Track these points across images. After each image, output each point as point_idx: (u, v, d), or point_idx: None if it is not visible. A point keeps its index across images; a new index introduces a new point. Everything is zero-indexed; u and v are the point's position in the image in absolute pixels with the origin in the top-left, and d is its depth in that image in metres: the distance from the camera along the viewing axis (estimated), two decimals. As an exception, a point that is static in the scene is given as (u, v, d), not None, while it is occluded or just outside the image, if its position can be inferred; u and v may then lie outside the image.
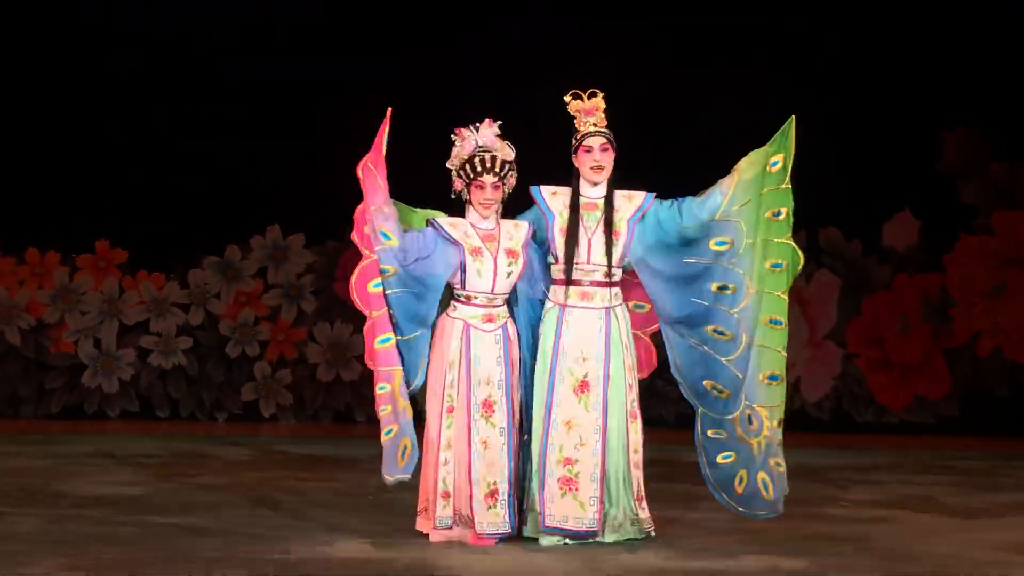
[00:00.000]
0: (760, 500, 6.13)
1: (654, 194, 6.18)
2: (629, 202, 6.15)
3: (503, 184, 6.12)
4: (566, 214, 6.11)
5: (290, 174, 11.98)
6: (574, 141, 6.17)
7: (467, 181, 6.10)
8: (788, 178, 6.10)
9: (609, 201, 6.12)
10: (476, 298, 6.12)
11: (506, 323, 6.16)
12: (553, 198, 6.18)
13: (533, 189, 6.24)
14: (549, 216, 6.16)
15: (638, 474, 6.14)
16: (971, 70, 11.72)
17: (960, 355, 12.02)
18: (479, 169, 6.07)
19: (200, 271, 12.23)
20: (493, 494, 6.04)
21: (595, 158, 6.10)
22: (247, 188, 12.00)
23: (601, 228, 6.09)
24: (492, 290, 6.10)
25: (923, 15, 11.69)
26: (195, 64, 11.99)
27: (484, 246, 6.08)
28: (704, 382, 6.14)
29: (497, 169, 6.07)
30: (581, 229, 6.09)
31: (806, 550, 5.99)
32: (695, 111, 11.14)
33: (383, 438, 5.94)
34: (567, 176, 6.23)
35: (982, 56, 11.72)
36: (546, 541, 6.03)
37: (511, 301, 6.25)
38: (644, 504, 6.16)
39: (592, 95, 6.16)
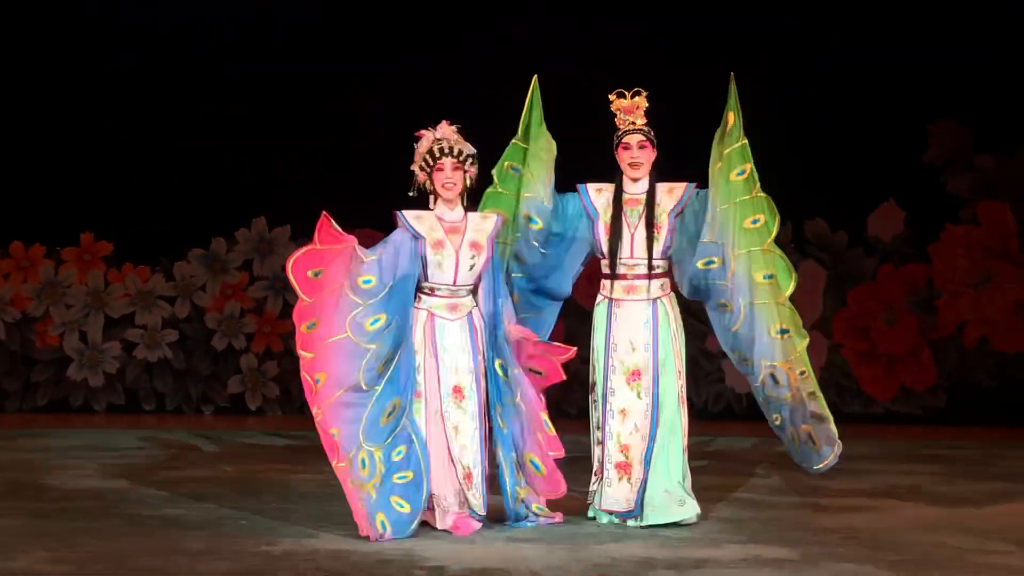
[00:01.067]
0: (812, 453, 6.23)
1: (694, 184, 6.35)
2: (670, 195, 6.35)
3: (463, 167, 6.22)
4: (610, 211, 6.34)
5: (275, 167, 11.98)
6: (614, 138, 6.38)
7: (429, 171, 6.22)
8: (741, 134, 6.18)
9: (651, 196, 6.33)
10: (439, 290, 6.23)
11: (471, 312, 6.26)
12: (598, 195, 6.42)
13: (580, 187, 6.45)
14: (593, 214, 6.40)
15: (684, 457, 6.35)
16: (956, 64, 11.78)
17: (946, 346, 12.06)
18: (437, 154, 6.20)
19: (186, 264, 12.22)
20: (468, 477, 6.18)
21: (633, 155, 6.32)
22: (232, 180, 12.01)
23: (643, 223, 6.30)
24: (454, 282, 6.21)
25: (908, 11, 11.75)
26: (190, 62, 12.00)
27: (447, 238, 6.19)
28: (734, 353, 6.36)
29: (455, 153, 6.20)
30: (624, 225, 6.31)
31: (792, 540, 6.00)
32: (692, 110, 11.17)
33: (357, 506, 5.98)
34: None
35: (967, 51, 11.78)
36: (604, 519, 6.34)
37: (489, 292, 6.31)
38: (688, 485, 6.35)
39: (636, 94, 6.36)
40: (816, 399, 6.19)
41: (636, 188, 6.36)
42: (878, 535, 6.16)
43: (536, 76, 6.47)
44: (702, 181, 6.38)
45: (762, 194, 6.19)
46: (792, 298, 6.21)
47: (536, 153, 6.44)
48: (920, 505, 7.09)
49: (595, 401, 6.40)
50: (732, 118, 6.20)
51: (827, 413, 6.20)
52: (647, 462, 6.25)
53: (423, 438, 6.13)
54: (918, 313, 12.06)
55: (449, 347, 6.19)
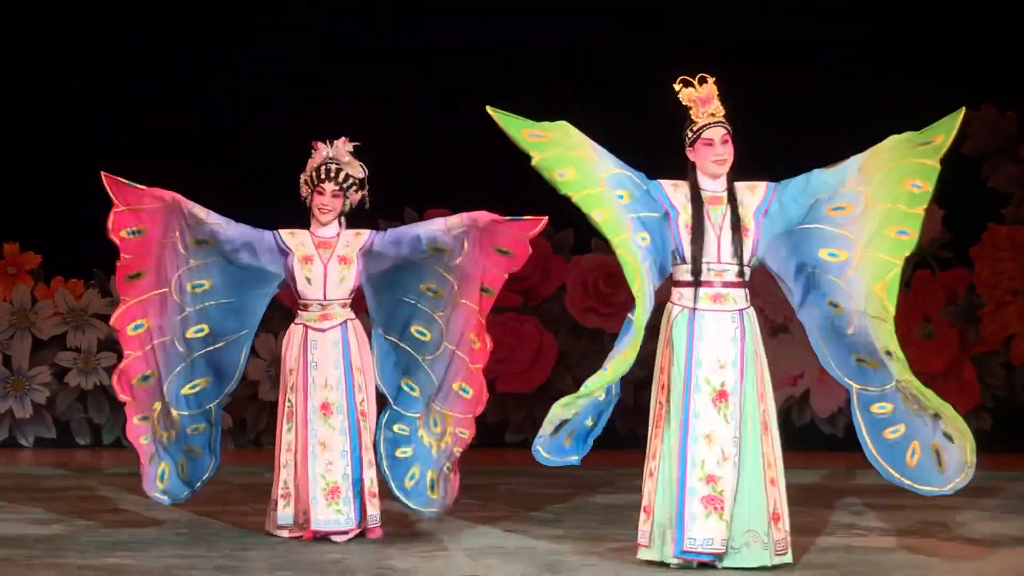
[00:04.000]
0: (934, 474, 6.29)
1: (775, 185, 6.43)
2: (752, 194, 6.41)
3: (343, 194, 7.16)
4: (690, 208, 6.32)
5: (224, 169, 11.96)
6: (690, 133, 6.39)
7: (311, 188, 7.18)
8: (938, 158, 6.40)
9: (732, 194, 6.35)
10: (311, 306, 7.18)
11: (347, 322, 7.17)
12: (675, 191, 6.38)
13: (653, 184, 6.41)
14: (672, 212, 6.35)
15: (773, 491, 6.30)
16: (997, 43, 11.80)
17: (991, 361, 12.10)
18: (322, 176, 7.14)
19: (124, 277, 12.20)
20: (333, 492, 7.00)
21: (717, 152, 6.33)
22: (173, 181, 11.95)
23: (728, 223, 6.31)
24: (324, 297, 7.14)
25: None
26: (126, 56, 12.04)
27: (317, 253, 7.14)
28: (852, 356, 6.38)
29: (339, 179, 7.15)
30: (708, 225, 6.31)
31: (817, 585, 6.02)
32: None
33: (145, 463, 7.12)
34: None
35: (1008, 28, 11.81)
36: (674, 563, 6.20)
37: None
38: (781, 524, 6.31)
39: (702, 80, 6.37)
40: (945, 420, 6.24)
41: (715, 185, 6.38)
42: (914, 579, 6.18)
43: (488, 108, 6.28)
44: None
45: (922, 213, 6.35)
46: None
47: (568, 148, 6.32)
48: (960, 544, 7.11)
49: (664, 426, 6.31)
50: (942, 140, 6.42)
51: (961, 435, 6.24)
52: (736, 497, 6.21)
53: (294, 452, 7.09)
54: (959, 325, 12.10)
55: (320, 362, 7.11)
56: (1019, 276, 12.05)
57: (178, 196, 7.09)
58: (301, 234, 7.19)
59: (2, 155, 11.94)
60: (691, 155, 6.38)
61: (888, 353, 6.25)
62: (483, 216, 7.09)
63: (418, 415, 7.24)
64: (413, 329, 7.24)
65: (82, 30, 11.90)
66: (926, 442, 6.26)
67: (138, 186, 7.07)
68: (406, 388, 7.24)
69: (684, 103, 6.39)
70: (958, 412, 11.20)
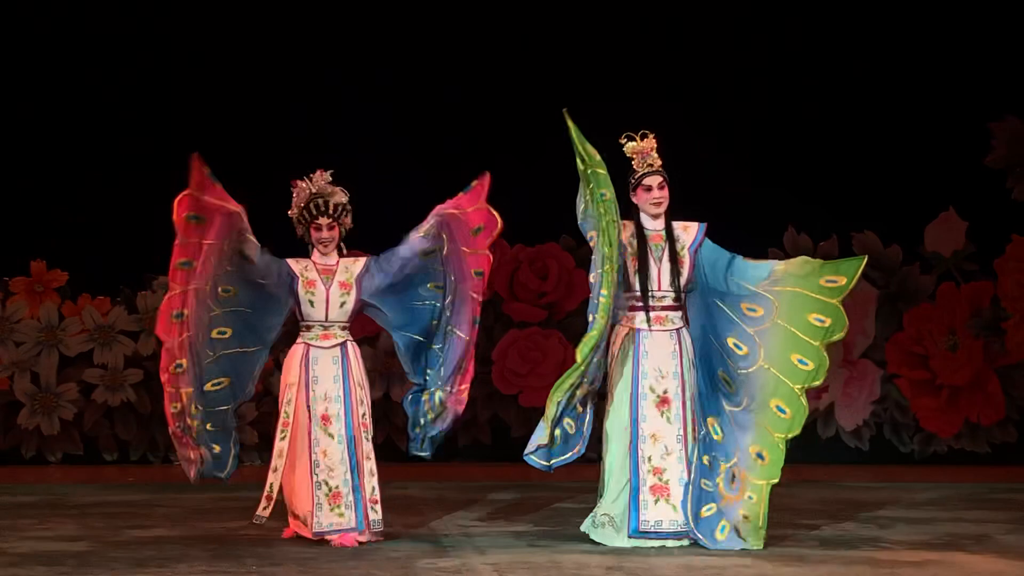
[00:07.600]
0: (735, 540, 7.24)
1: (706, 225, 7.45)
2: (686, 232, 7.48)
3: (338, 224, 7.68)
4: (635, 243, 7.39)
5: (247, 180, 11.99)
6: (632, 180, 7.45)
7: (305, 225, 7.68)
8: (839, 300, 7.17)
9: (670, 232, 7.43)
10: (313, 327, 7.68)
11: (346, 343, 7.68)
12: (623, 230, 7.35)
13: None
14: (621, 247, 7.29)
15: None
16: (1021, 53, 11.77)
17: (1015, 374, 12.06)
18: (314, 212, 7.63)
19: (150, 294, 12.24)
20: (336, 496, 7.49)
21: (655, 196, 7.41)
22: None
23: (667, 257, 7.41)
24: (326, 319, 7.66)
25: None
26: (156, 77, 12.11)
27: (320, 278, 7.67)
28: (708, 420, 7.41)
29: (330, 212, 7.64)
30: (650, 258, 7.39)
31: (844, 599, 6.01)
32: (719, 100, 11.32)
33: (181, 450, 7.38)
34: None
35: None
36: (631, 544, 7.27)
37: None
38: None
39: (644, 136, 7.39)
40: (760, 506, 7.23)
41: (655, 224, 7.45)
42: (942, 592, 6.16)
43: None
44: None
45: (821, 345, 7.20)
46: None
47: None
48: (990, 558, 7.08)
49: (626, 429, 7.34)
50: (844, 283, 7.21)
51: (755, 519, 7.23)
52: (696, 484, 7.23)
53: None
54: (983, 337, 12.07)
55: (320, 376, 7.61)
56: (1044, 288, 12.02)
57: (242, 212, 7.39)
58: (304, 262, 7.70)
59: (29, 173, 11.99)
60: (634, 199, 7.43)
61: (760, 455, 7.23)
62: (441, 207, 7.68)
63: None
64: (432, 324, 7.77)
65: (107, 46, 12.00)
66: (733, 521, 7.21)
67: (216, 182, 7.27)
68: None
69: (627, 155, 7.40)
70: (983, 424, 11.21)
